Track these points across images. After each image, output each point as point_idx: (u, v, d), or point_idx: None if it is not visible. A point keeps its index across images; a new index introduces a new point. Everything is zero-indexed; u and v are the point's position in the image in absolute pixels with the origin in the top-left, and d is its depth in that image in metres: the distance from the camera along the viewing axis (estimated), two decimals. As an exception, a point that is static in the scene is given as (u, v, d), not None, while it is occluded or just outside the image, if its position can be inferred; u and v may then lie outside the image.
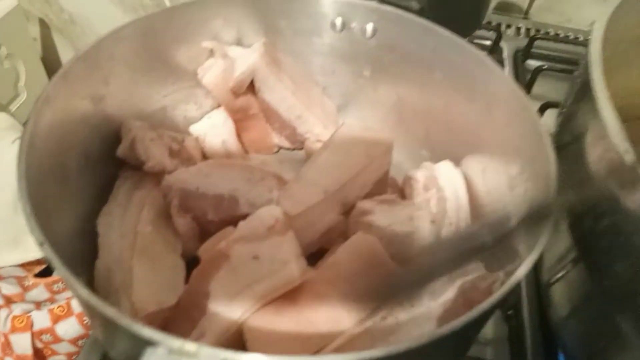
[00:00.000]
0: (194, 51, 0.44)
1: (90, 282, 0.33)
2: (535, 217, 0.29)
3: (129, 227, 0.34)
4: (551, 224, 0.27)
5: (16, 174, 0.26)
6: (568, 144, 0.34)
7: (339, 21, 0.45)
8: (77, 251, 0.29)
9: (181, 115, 0.46)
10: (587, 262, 0.33)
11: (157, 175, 0.38)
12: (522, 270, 0.25)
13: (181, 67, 0.44)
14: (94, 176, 0.37)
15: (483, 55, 0.39)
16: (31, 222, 0.24)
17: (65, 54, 1.01)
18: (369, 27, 0.44)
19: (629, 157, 0.25)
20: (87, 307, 0.22)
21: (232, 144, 0.45)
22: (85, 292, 0.22)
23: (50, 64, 1.02)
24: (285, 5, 0.44)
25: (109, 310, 0.21)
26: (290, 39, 0.46)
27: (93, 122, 0.37)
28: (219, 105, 0.47)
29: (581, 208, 0.31)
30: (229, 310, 0.30)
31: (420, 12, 0.46)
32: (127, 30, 0.37)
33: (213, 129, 0.45)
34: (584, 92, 0.32)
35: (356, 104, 0.50)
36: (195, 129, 0.46)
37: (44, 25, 0.97)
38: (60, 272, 0.23)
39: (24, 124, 0.29)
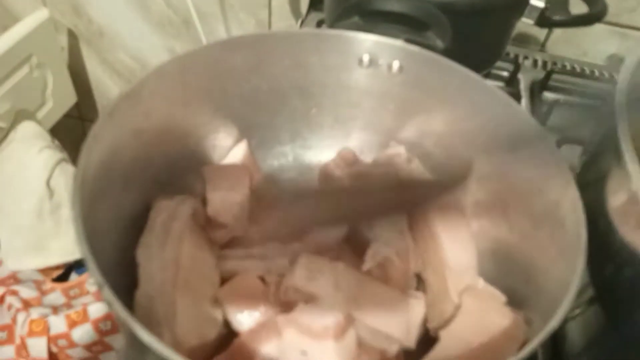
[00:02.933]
0: (228, 85, 0.45)
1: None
2: None
3: (169, 259, 0.35)
4: (579, 280, 0.28)
5: (71, 218, 0.28)
6: (591, 184, 0.36)
7: (366, 58, 0.46)
8: (118, 282, 0.30)
9: (210, 145, 0.47)
10: (603, 305, 0.34)
11: (194, 205, 0.40)
12: (552, 324, 0.26)
13: (214, 100, 0.45)
14: (130, 207, 0.39)
15: (508, 97, 0.40)
16: (91, 265, 0.26)
17: (92, 65, 1.05)
18: (395, 64, 0.46)
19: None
20: (141, 348, 0.24)
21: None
22: (147, 336, 0.23)
23: (77, 73, 1.05)
24: (316, 42, 0.46)
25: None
26: (319, 73, 0.48)
27: (133, 155, 0.38)
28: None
29: (602, 253, 0.32)
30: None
31: (445, 51, 0.47)
32: (168, 67, 0.39)
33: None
34: (608, 137, 0.33)
35: (379, 136, 0.51)
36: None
37: (72, 35, 1.01)
38: (120, 314, 0.24)
39: (76, 165, 0.30)
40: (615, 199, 0.30)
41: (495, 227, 0.42)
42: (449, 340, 0.34)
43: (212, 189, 0.41)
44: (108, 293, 0.25)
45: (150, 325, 0.32)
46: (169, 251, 0.35)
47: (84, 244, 0.27)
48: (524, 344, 0.29)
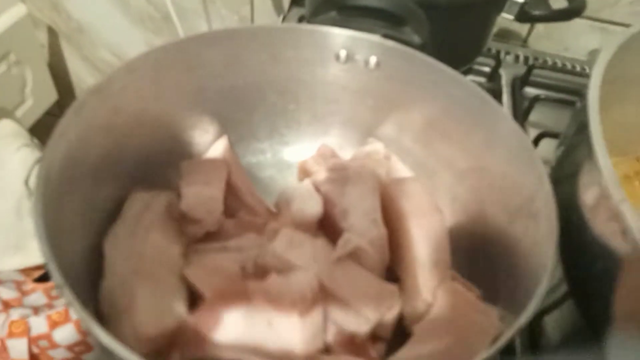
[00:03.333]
0: (202, 80, 0.45)
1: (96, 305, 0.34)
2: None
3: (134, 249, 0.34)
4: (550, 273, 0.28)
5: (32, 214, 0.27)
6: (565, 178, 0.36)
7: (343, 53, 0.46)
8: (84, 274, 0.30)
9: (187, 140, 0.47)
10: (578, 299, 0.34)
11: (169, 198, 0.39)
12: (522, 319, 0.26)
13: (189, 96, 0.45)
14: (102, 201, 0.38)
15: (484, 93, 0.40)
16: (51, 266, 0.25)
17: (72, 61, 1.03)
18: (372, 60, 0.46)
19: (625, 206, 0.26)
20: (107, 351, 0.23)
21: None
22: (107, 339, 0.23)
23: (57, 70, 1.03)
24: (293, 37, 0.45)
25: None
26: (296, 69, 0.47)
27: (103, 151, 0.38)
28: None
29: (574, 247, 0.32)
30: (226, 350, 0.31)
31: (422, 47, 0.47)
32: (139, 62, 0.39)
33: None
34: (581, 131, 0.33)
35: (357, 133, 0.51)
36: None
37: (52, 32, 0.99)
38: (80, 314, 0.24)
39: (38, 160, 0.30)
40: (587, 193, 0.30)
41: (471, 222, 0.42)
42: (422, 334, 0.34)
43: (186, 183, 0.41)
44: (68, 294, 0.24)
45: (113, 316, 0.31)
46: (135, 241, 0.35)
47: (45, 245, 0.26)
48: (497, 338, 0.29)
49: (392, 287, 0.37)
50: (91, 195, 0.37)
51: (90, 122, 0.35)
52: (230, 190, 0.44)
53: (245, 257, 0.39)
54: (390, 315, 0.36)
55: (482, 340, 0.31)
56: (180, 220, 0.40)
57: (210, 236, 0.41)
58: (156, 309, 0.33)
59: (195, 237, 0.40)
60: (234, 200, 0.44)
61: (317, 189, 0.43)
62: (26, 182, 0.84)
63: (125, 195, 0.40)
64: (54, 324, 0.77)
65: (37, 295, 0.85)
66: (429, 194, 0.42)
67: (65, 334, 0.77)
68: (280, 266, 0.36)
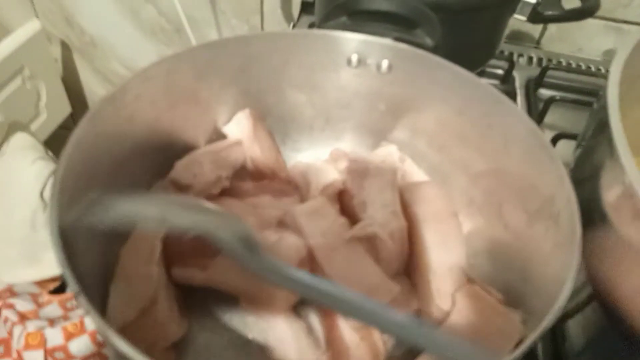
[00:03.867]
0: (215, 87, 0.45)
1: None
2: None
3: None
4: (574, 274, 0.27)
5: (48, 221, 0.27)
6: (585, 179, 0.35)
7: (355, 57, 0.46)
8: (100, 282, 0.30)
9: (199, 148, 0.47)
10: (603, 303, 0.33)
11: None
12: (546, 323, 0.25)
13: (202, 103, 0.45)
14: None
15: (499, 93, 0.40)
16: (67, 274, 0.25)
17: (85, 75, 1.04)
18: (385, 63, 0.45)
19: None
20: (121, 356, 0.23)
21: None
22: (124, 346, 0.23)
23: (70, 84, 1.05)
24: (305, 43, 0.45)
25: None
26: (308, 73, 0.47)
27: (116, 159, 0.38)
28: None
29: (598, 248, 0.32)
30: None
31: (435, 49, 0.47)
32: (152, 71, 0.39)
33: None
34: (601, 131, 0.33)
35: (370, 137, 0.50)
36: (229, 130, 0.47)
37: (65, 46, 1.00)
38: (96, 322, 0.23)
39: (53, 172, 0.30)
40: (610, 193, 0.29)
41: (490, 225, 0.41)
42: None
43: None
44: (84, 302, 0.24)
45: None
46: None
47: (61, 252, 0.26)
48: (520, 342, 0.28)
49: (393, 286, 0.36)
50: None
51: (104, 130, 0.35)
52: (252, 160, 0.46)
53: (259, 213, 0.40)
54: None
55: (505, 344, 0.30)
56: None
57: (229, 194, 0.42)
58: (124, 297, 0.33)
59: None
60: (255, 169, 0.46)
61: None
62: (41, 195, 0.85)
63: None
64: (69, 336, 0.77)
65: (53, 307, 0.85)
66: (444, 198, 0.41)
67: (81, 345, 0.77)
68: (293, 229, 0.37)
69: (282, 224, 0.39)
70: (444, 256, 0.37)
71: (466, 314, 0.34)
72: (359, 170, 0.43)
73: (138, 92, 0.38)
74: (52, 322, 0.80)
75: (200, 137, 0.46)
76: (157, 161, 0.42)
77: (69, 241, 0.27)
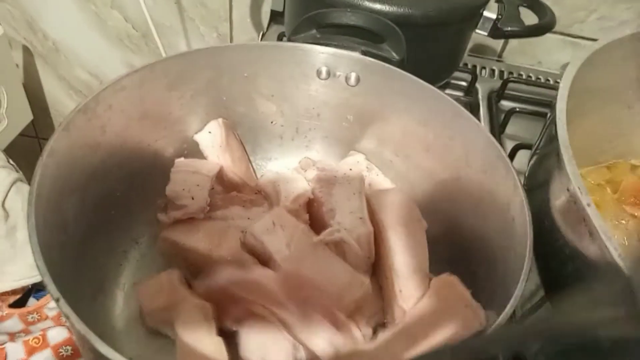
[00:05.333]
0: (186, 98, 0.46)
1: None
2: None
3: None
4: (526, 275, 0.29)
5: (27, 230, 0.27)
6: (538, 187, 0.37)
7: (324, 70, 0.47)
8: (75, 296, 0.30)
9: (170, 158, 0.47)
10: (552, 302, 0.35)
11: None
12: (502, 319, 0.27)
13: (173, 113, 0.46)
14: (89, 218, 0.39)
15: (459, 106, 0.42)
16: (46, 279, 0.26)
17: (48, 82, 1.02)
18: (353, 76, 0.47)
19: (591, 210, 0.28)
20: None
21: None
22: (105, 348, 0.23)
23: (32, 90, 1.03)
24: (275, 55, 0.46)
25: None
26: (279, 84, 0.49)
27: (89, 169, 0.38)
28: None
29: (548, 250, 0.34)
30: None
31: (400, 63, 0.49)
32: (125, 81, 0.39)
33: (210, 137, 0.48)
34: (551, 141, 0.35)
35: (339, 147, 0.52)
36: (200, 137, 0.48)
37: (27, 52, 0.98)
38: (79, 326, 0.24)
39: (14, 181, 0.30)
40: (558, 199, 0.32)
41: (451, 231, 0.43)
42: (409, 320, 0.35)
43: (175, 170, 0.43)
44: (64, 305, 0.25)
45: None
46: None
47: (40, 258, 0.26)
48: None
49: (363, 279, 0.38)
50: (79, 213, 0.37)
51: (77, 140, 0.36)
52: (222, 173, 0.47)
53: (229, 225, 0.42)
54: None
55: (465, 333, 0.32)
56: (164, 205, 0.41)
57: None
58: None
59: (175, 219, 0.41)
60: (226, 178, 0.47)
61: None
62: (2, 204, 0.83)
63: (107, 215, 0.41)
64: (31, 350, 0.76)
65: (13, 320, 0.83)
66: (409, 204, 0.43)
67: (43, 359, 0.76)
68: (259, 247, 0.39)
69: (245, 245, 0.41)
70: (408, 259, 0.39)
71: (436, 299, 0.35)
72: (327, 179, 0.44)
73: (110, 102, 0.39)
74: (12, 336, 0.78)
75: (170, 146, 0.47)
76: (129, 170, 0.43)
77: (45, 248, 0.28)
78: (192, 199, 0.41)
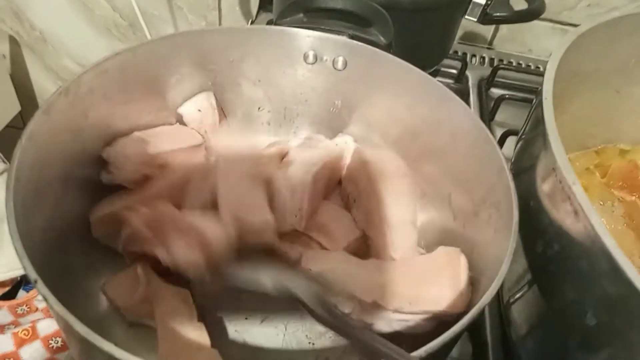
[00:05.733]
0: (171, 82, 0.45)
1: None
2: None
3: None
4: (511, 252, 0.29)
5: (6, 214, 0.27)
6: (524, 170, 0.37)
7: (311, 54, 0.47)
8: (55, 283, 0.30)
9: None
10: (539, 284, 0.35)
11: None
12: (486, 297, 0.27)
13: (158, 98, 0.45)
14: (71, 204, 0.38)
15: (447, 90, 0.42)
16: (24, 262, 0.25)
17: (35, 72, 1.01)
18: (340, 60, 0.47)
19: (576, 188, 0.28)
20: (82, 341, 0.23)
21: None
22: (82, 329, 0.23)
23: (19, 81, 1.01)
24: (261, 39, 0.46)
25: (106, 345, 0.22)
26: (265, 69, 0.48)
27: (71, 154, 0.37)
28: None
29: (534, 232, 0.34)
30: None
31: (388, 47, 0.48)
32: (107, 64, 0.39)
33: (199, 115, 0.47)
34: (537, 124, 0.35)
35: (326, 132, 0.52)
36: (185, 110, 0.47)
37: (13, 42, 0.97)
38: (57, 308, 0.24)
39: (10, 163, 0.30)
40: (544, 180, 0.31)
41: (440, 216, 0.43)
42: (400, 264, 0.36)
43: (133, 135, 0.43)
44: (42, 287, 0.24)
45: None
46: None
47: (18, 241, 0.26)
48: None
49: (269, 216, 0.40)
50: (59, 201, 0.36)
51: (58, 125, 0.35)
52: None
53: None
54: None
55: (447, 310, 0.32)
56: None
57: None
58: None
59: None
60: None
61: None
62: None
63: (90, 201, 0.41)
64: (21, 342, 0.75)
65: (2, 313, 0.83)
66: (396, 159, 0.43)
67: (33, 351, 0.75)
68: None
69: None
70: (399, 209, 0.39)
71: (433, 262, 0.36)
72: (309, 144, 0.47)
73: (92, 85, 0.38)
74: (1, 328, 0.78)
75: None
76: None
77: (25, 234, 0.27)
78: (118, 168, 0.40)
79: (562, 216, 0.28)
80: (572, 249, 0.28)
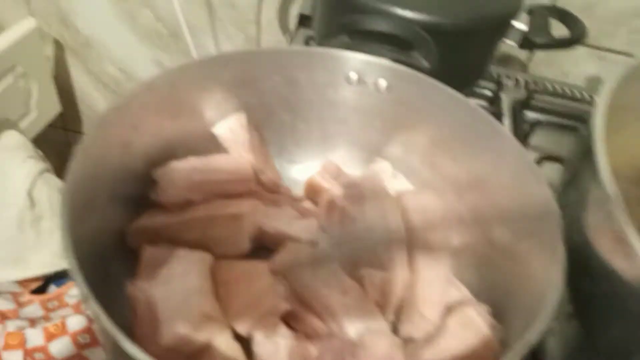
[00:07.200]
0: (216, 99, 0.46)
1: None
2: None
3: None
4: (557, 296, 0.29)
5: (60, 228, 0.28)
6: (571, 203, 0.37)
7: (354, 76, 0.47)
8: (100, 295, 0.31)
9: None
10: (581, 320, 0.35)
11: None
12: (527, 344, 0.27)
13: (203, 113, 0.46)
14: (115, 220, 0.40)
15: (489, 116, 0.42)
16: (77, 278, 0.26)
17: (78, 75, 1.04)
18: (382, 82, 0.47)
19: (629, 230, 0.27)
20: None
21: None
22: (130, 347, 0.24)
23: (62, 84, 1.05)
24: (305, 60, 0.47)
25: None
26: (307, 90, 0.49)
27: (120, 166, 0.39)
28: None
29: (579, 268, 0.33)
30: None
31: (430, 71, 0.48)
32: (158, 81, 0.40)
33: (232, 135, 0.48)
34: (586, 157, 0.35)
35: (364, 152, 0.52)
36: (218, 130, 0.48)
37: (58, 45, 1.00)
38: (107, 325, 0.24)
39: (61, 176, 0.31)
40: (593, 217, 0.31)
41: (477, 241, 0.43)
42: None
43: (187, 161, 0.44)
44: (94, 304, 0.25)
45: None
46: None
47: (72, 256, 0.27)
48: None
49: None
50: (106, 214, 0.38)
51: (110, 138, 0.36)
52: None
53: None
54: None
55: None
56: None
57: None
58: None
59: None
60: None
61: (334, 204, 0.45)
62: (29, 194, 0.85)
63: (134, 216, 0.42)
64: (50, 337, 0.77)
65: (34, 307, 0.85)
66: (439, 207, 0.43)
67: (62, 346, 0.77)
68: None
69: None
70: (430, 263, 0.39)
71: (453, 341, 0.35)
72: (357, 195, 0.45)
73: (143, 101, 0.39)
74: (32, 322, 0.80)
75: (200, 146, 0.47)
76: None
77: (76, 246, 0.28)
78: (163, 190, 0.41)
79: (612, 256, 0.28)
80: (623, 290, 0.28)
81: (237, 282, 0.38)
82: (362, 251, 0.41)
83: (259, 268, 0.39)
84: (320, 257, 0.41)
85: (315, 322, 0.37)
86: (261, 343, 0.35)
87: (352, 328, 0.36)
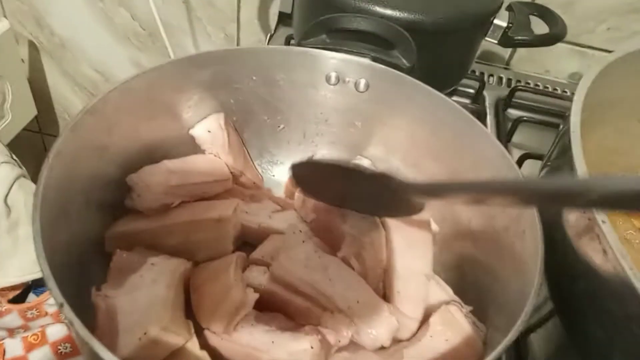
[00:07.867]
0: (194, 100, 0.45)
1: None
2: None
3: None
4: (535, 293, 0.29)
5: (32, 234, 0.27)
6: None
7: (333, 75, 0.47)
8: (76, 301, 0.30)
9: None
10: (562, 318, 0.35)
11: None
12: (507, 340, 0.27)
13: (180, 115, 0.45)
14: (91, 222, 0.39)
15: (470, 116, 0.42)
16: (51, 283, 0.25)
17: (53, 77, 1.02)
18: (362, 82, 0.47)
19: (605, 227, 0.27)
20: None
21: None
22: (106, 353, 0.23)
23: (37, 86, 1.02)
24: (284, 59, 0.46)
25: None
26: (287, 90, 0.48)
27: (95, 171, 0.38)
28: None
29: (559, 266, 0.33)
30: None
31: (411, 70, 0.48)
32: (133, 83, 0.39)
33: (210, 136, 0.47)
34: (564, 154, 0.35)
35: (345, 152, 0.52)
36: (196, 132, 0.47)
37: (33, 47, 0.98)
38: (82, 332, 0.24)
39: (37, 182, 0.30)
40: (571, 214, 0.31)
41: (460, 241, 0.43)
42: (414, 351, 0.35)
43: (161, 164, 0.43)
44: (68, 311, 0.24)
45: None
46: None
47: (45, 262, 0.26)
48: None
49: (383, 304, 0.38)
50: (81, 219, 0.37)
51: (84, 142, 0.35)
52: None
53: None
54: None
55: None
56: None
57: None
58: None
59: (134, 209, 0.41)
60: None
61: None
62: (4, 200, 0.82)
63: (110, 220, 0.41)
64: (30, 347, 0.75)
65: (12, 316, 0.83)
66: None
67: (42, 356, 0.75)
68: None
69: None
70: (409, 261, 0.38)
71: (438, 340, 0.35)
72: None
73: (118, 103, 0.38)
74: (11, 332, 0.78)
75: (177, 148, 0.46)
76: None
77: (50, 252, 0.27)
78: (139, 195, 0.40)
79: (590, 253, 0.28)
80: (600, 288, 0.28)
81: (205, 284, 0.37)
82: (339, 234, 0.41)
83: (224, 264, 0.39)
84: (296, 242, 0.41)
85: (302, 303, 0.37)
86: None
87: (341, 301, 0.36)
